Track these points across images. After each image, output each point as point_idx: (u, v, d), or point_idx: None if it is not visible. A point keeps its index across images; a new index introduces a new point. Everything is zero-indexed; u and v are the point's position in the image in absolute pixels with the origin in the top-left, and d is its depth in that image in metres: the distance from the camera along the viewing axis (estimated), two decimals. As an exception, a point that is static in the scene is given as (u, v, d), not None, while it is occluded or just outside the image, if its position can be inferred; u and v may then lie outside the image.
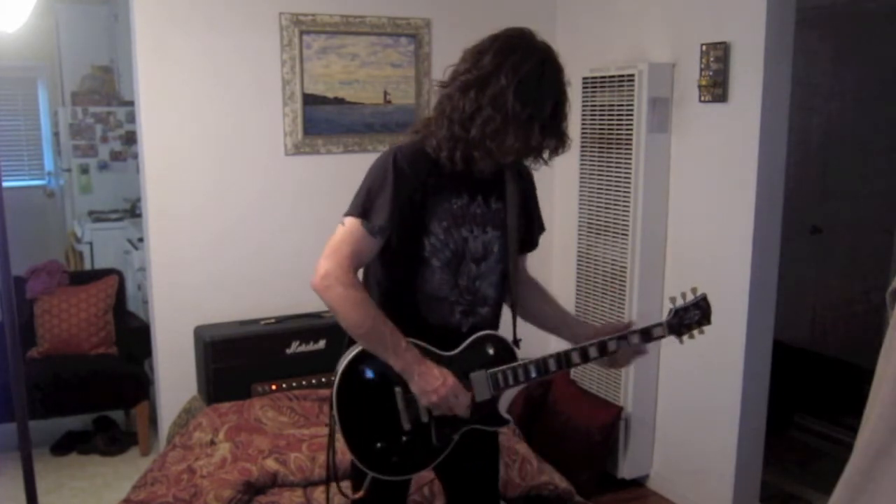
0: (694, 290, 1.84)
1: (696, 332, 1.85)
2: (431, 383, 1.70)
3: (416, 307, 1.78)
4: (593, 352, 1.82)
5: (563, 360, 1.81)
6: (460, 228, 1.78)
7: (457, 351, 1.79)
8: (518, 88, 1.63)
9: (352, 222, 1.71)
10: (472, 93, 1.66)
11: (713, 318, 1.86)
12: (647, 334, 1.83)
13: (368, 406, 1.76)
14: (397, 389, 1.75)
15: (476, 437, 1.85)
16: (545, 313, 2.00)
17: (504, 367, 1.81)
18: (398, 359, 1.71)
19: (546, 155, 1.76)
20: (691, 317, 1.83)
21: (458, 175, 1.75)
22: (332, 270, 1.67)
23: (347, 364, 1.75)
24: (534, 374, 1.82)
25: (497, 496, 2.07)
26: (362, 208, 1.71)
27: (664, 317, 1.84)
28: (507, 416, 1.92)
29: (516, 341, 1.88)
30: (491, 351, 1.83)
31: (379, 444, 1.76)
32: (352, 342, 1.79)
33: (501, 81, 1.63)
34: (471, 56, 1.71)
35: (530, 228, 1.95)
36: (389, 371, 1.73)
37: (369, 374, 1.76)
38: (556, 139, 1.72)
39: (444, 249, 1.77)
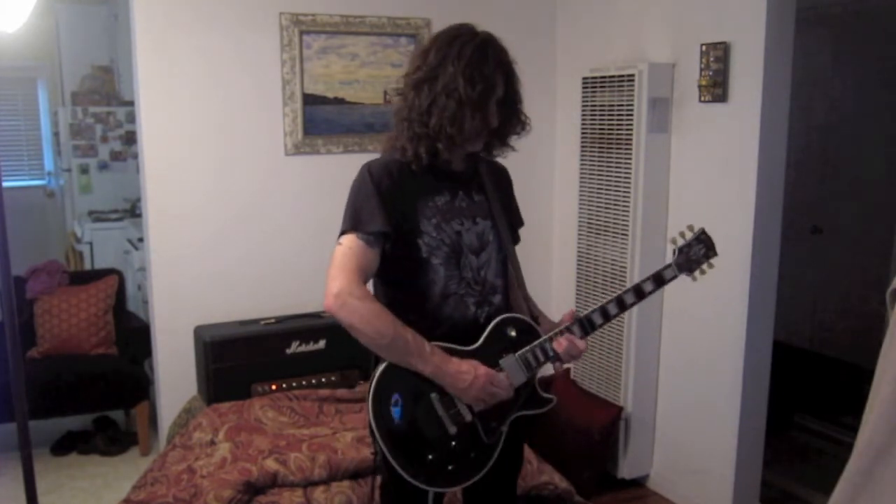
0: (691, 228, 1.89)
1: (705, 266, 1.88)
2: (465, 379, 1.70)
3: (432, 310, 1.78)
4: (613, 308, 1.83)
5: (587, 324, 1.82)
6: (451, 223, 1.80)
7: (479, 343, 1.78)
8: (466, 71, 1.71)
9: (348, 238, 1.73)
10: (424, 88, 1.74)
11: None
12: (660, 279, 1.85)
13: (409, 422, 1.73)
14: (433, 396, 1.73)
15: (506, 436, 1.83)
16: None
17: (531, 346, 1.80)
18: (426, 363, 1.69)
19: (508, 137, 1.84)
20: (697, 252, 1.87)
21: (434, 174, 1.80)
22: (344, 287, 1.67)
23: (375, 387, 1.71)
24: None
25: (514, 497, 2.05)
26: (353, 222, 1.73)
27: (670, 258, 1.87)
28: (549, 395, 1.88)
29: (534, 318, 1.88)
30: (513, 333, 1.82)
31: (430, 457, 1.73)
32: (375, 366, 1.76)
33: (449, 69, 1.72)
34: (417, 57, 1.80)
35: (511, 222, 1.96)
36: (420, 380, 1.71)
37: (400, 389, 1.72)
38: (513, 118, 1.81)
39: (440, 246, 1.77)
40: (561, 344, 1.79)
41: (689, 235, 1.88)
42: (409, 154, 1.77)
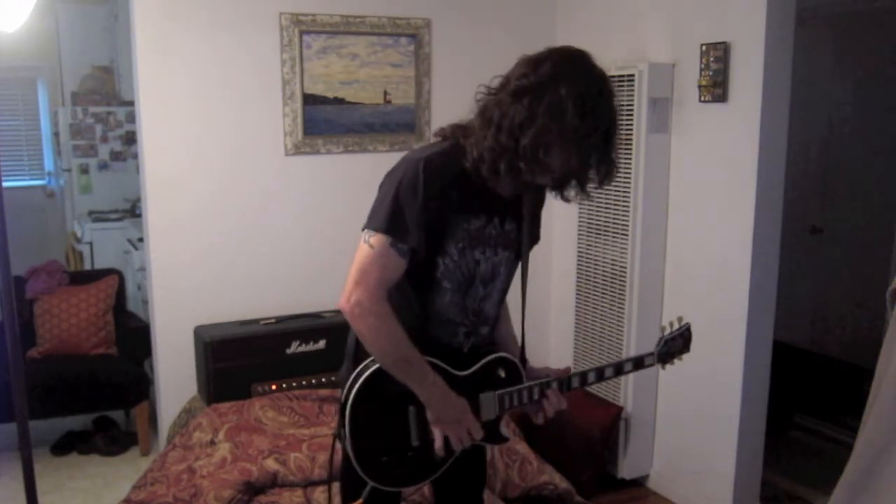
0: (679, 319, 1.97)
1: (676, 360, 1.97)
2: (451, 418, 1.72)
3: (423, 326, 1.76)
4: (592, 377, 1.88)
5: (565, 384, 1.85)
6: (474, 250, 1.74)
7: (469, 371, 1.79)
8: (578, 99, 1.53)
9: (381, 243, 1.63)
10: (525, 100, 1.55)
11: (697, 344, 2.03)
12: (639, 363, 1.92)
13: (379, 422, 1.75)
14: (411, 408, 1.74)
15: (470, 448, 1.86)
16: (497, 333, 1.97)
17: (512, 388, 1.82)
18: (423, 390, 1.70)
19: (592, 181, 1.67)
20: (676, 345, 1.94)
21: (480, 193, 1.70)
22: (364, 300, 1.62)
23: (364, 382, 1.72)
24: (537, 397, 1.84)
25: (480, 500, 2.09)
26: (390, 225, 1.62)
27: (654, 346, 1.94)
28: (506, 434, 1.94)
29: (523, 361, 1.89)
30: (502, 374, 1.83)
31: (385, 458, 1.75)
32: (357, 357, 1.77)
33: (561, 91, 1.53)
34: (526, 64, 1.61)
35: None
36: (404, 391, 1.71)
37: (385, 391, 1.72)
38: (606, 164, 1.64)
39: (456, 271, 1.73)
40: (550, 398, 1.82)
41: (675, 327, 1.94)
42: (486, 167, 1.61)
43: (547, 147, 1.55)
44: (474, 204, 1.71)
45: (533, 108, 1.55)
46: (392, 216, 1.62)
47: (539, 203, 1.89)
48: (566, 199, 1.75)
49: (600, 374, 1.88)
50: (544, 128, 1.54)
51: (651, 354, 1.91)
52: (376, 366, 1.71)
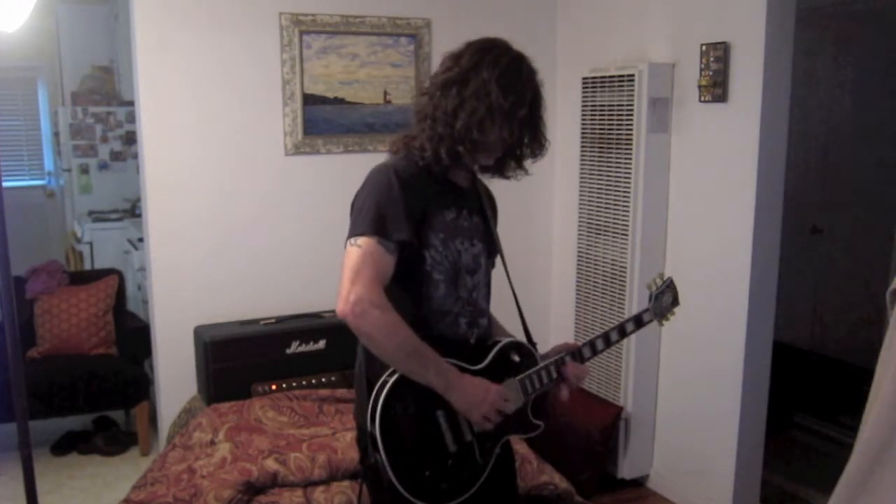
0: (661, 276, 2.00)
1: (670, 315, 1.99)
2: (478, 395, 1.69)
3: (426, 322, 1.75)
4: (600, 344, 1.90)
5: (578, 356, 1.87)
6: (454, 240, 1.78)
7: (485, 363, 1.79)
8: (500, 79, 1.68)
9: (367, 243, 1.65)
10: (453, 90, 1.70)
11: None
12: (639, 321, 1.95)
13: (411, 437, 1.70)
14: (439, 412, 1.70)
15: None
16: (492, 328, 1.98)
17: (531, 371, 1.81)
18: (440, 378, 1.67)
19: (525, 158, 1.81)
20: (666, 300, 1.98)
21: (446, 188, 1.78)
22: (364, 294, 1.60)
23: (385, 399, 1.66)
24: (555, 375, 1.84)
25: (515, 498, 2.05)
26: (375, 226, 1.65)
27: (648, 303, 1.96)
28: (538, 421, 1.89)
29: (533, 344, 1.89)
30: (517, 358, 1.83)
31: (428, 473, 1.70)
32: (370, 382, 1.72)
33: (483, 75, 1.68)
34: (449, 59, 1.76)
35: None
36: (428, 396, 1.68)
37: (407, 406, 1.69)
38: (535, 139, 1.78)
39: (443, 262, 1.76)
40: (571, 368, 1.85)
41: (660, 283, 1.97)
42: (428, 154, 1.71)
43: (480, 127, 1.69)
44: (443, 197, 1.78)
45: (461, 95, 1.70)
46: (374, 219, 1.67)
47: (495, 211, 1.97)
48: (506, 177, 1.87)
49: (607, 340, 1.91)
50: (473, 110, 1.68)
51: (647, 311, 1.95)
52: (392, 379, 1.67)
